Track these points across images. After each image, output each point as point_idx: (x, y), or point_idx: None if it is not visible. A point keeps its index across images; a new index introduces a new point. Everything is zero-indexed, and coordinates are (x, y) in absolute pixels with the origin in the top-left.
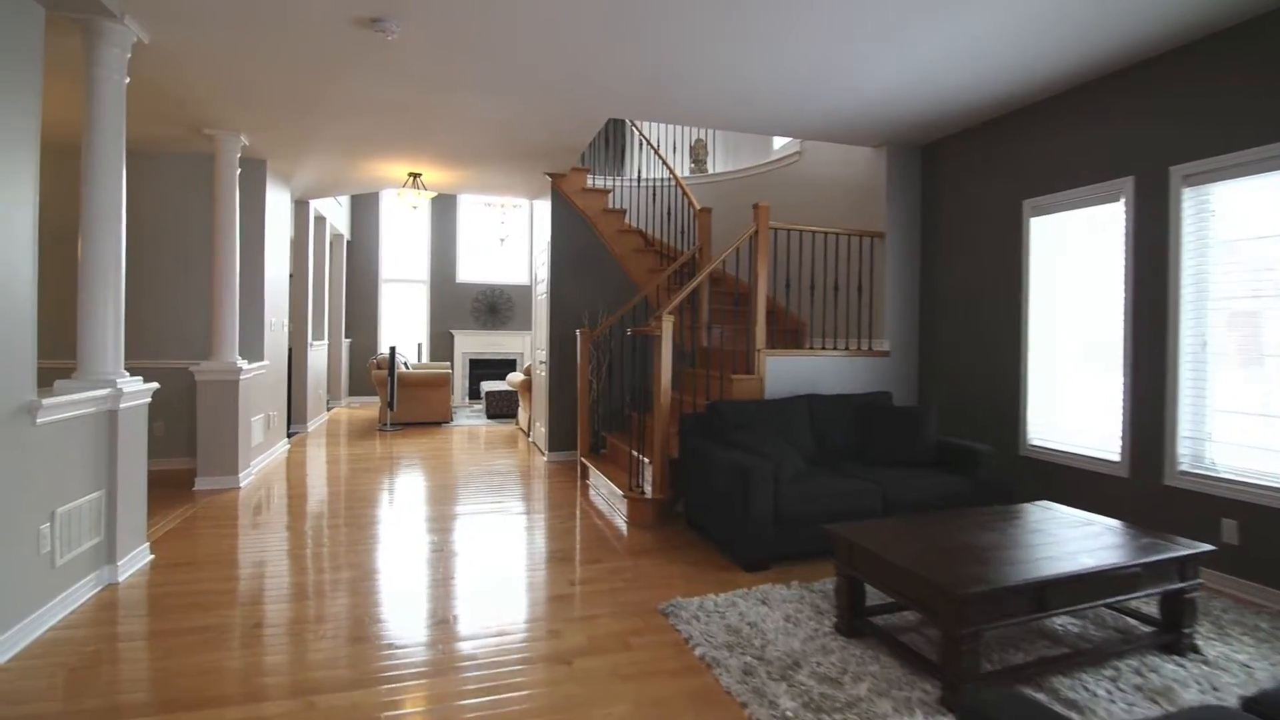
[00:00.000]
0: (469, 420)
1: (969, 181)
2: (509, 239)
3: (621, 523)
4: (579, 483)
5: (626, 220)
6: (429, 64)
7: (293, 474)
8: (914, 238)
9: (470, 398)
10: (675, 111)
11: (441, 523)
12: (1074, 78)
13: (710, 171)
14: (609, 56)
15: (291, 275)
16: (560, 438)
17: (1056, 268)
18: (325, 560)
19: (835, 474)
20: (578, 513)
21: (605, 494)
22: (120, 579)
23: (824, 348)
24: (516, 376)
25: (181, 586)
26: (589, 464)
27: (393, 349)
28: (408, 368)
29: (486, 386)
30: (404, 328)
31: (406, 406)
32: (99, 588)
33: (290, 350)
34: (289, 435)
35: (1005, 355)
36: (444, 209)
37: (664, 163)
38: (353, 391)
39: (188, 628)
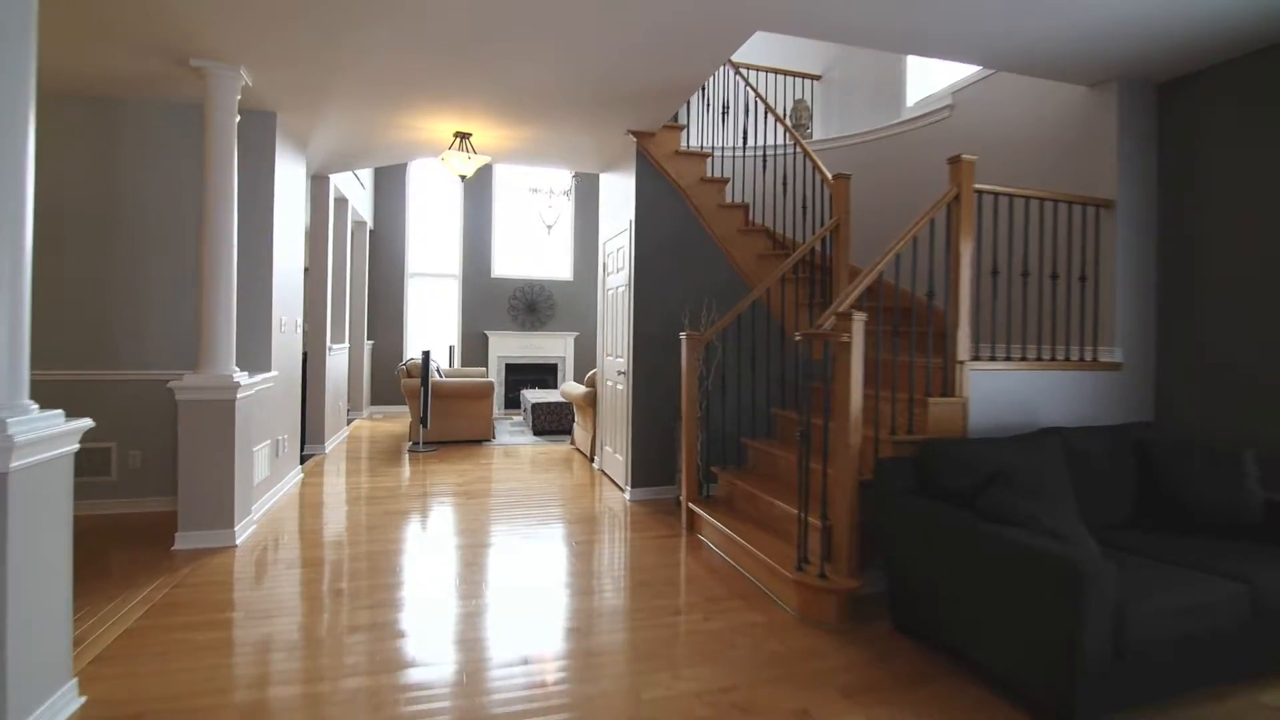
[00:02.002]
0: (512, 437)
1: (1256, 127)
2: (550, 230)
3: (786, 617)
4: (683, 536)
5: (729, 194)
6: None
7: (306, 523)
8: (1151, 207)
9: (506, 407)
10: (842, 22)
11: (509, 610)
12: None
13: (815, 138)
14: None
15: (307, 269)
16: (647, 470)
17: None
18: (347, 700)
19: (1150, 559)
20: (698, 589)
21: (732, 557)
22: None
23: (982, 356)
24: (574, 388)
25: None
26: (700, 512)
27: (426, 354)
28: (440, 375)
29: (531, 397)
30: (433, 328)
31: (441, 422)
32: None
33: (305, 356)
34: (303, 460)
35: None
36: (478, 194)
37: (780, 121)
38: (375, 401)
39: None
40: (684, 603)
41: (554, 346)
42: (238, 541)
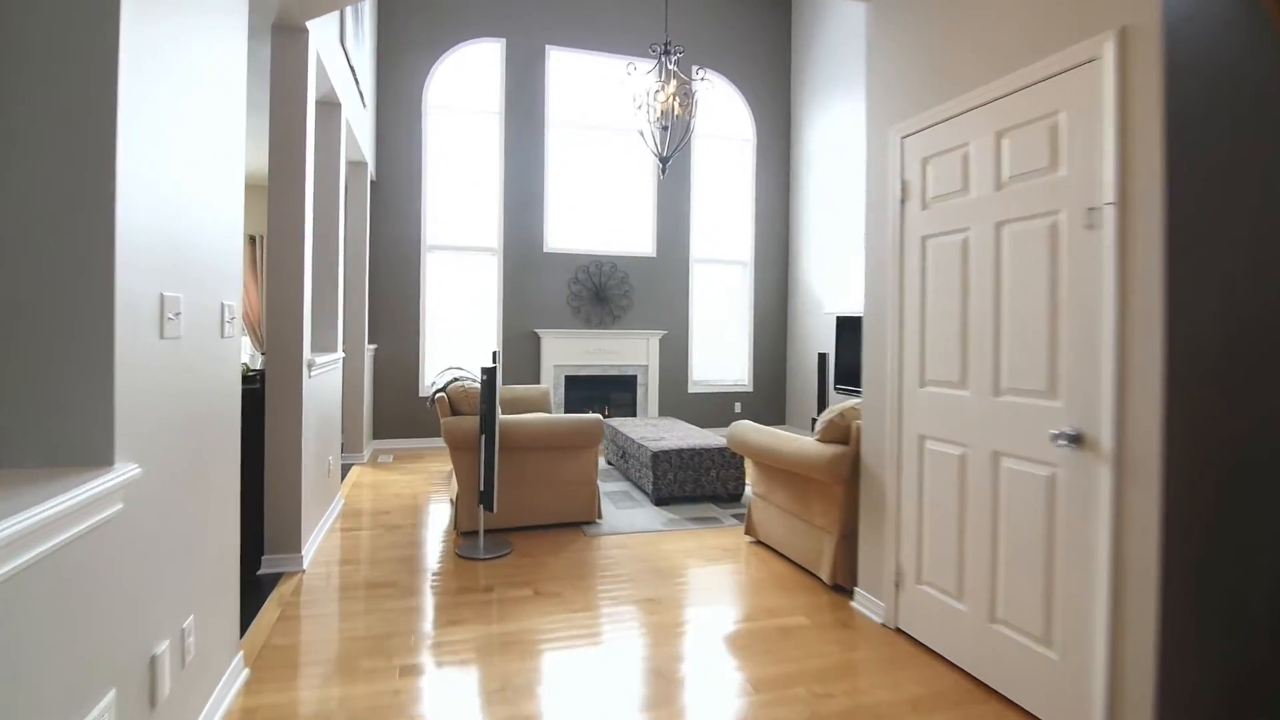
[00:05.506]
0: (622, 512)
1: None
2: (623, 201)
3: None
4: None
5: None
6: None
7: None
8: None
9: None
10: None
11: None
12: None
13: None
14: None
15: (258, 237)
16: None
17: None
18: None
19: None
20: None
21: None
22: None
23: None
24: (780, 440)
25: None
26: None
27: (490, 373)
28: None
29: (641, 437)
30: (461, 326)
31: (510, 492)
32: None
33: (260, 380)
34: (262, 589)
35: None
36: (525, 134)
37: None
38: (380, 433)
39: None
40: None
41: (632, 351)
42: None
